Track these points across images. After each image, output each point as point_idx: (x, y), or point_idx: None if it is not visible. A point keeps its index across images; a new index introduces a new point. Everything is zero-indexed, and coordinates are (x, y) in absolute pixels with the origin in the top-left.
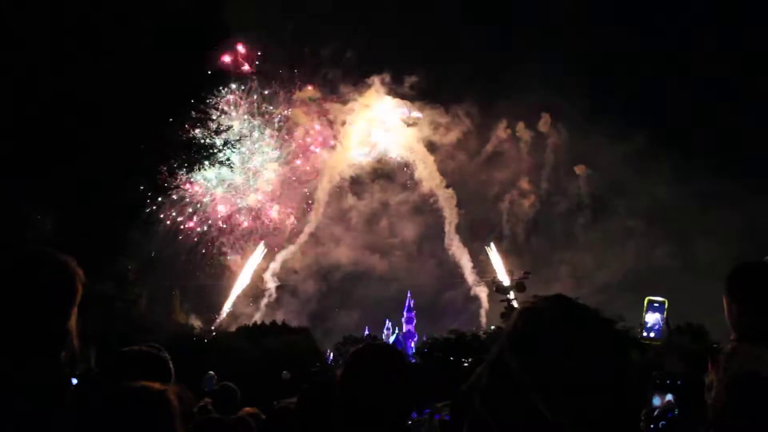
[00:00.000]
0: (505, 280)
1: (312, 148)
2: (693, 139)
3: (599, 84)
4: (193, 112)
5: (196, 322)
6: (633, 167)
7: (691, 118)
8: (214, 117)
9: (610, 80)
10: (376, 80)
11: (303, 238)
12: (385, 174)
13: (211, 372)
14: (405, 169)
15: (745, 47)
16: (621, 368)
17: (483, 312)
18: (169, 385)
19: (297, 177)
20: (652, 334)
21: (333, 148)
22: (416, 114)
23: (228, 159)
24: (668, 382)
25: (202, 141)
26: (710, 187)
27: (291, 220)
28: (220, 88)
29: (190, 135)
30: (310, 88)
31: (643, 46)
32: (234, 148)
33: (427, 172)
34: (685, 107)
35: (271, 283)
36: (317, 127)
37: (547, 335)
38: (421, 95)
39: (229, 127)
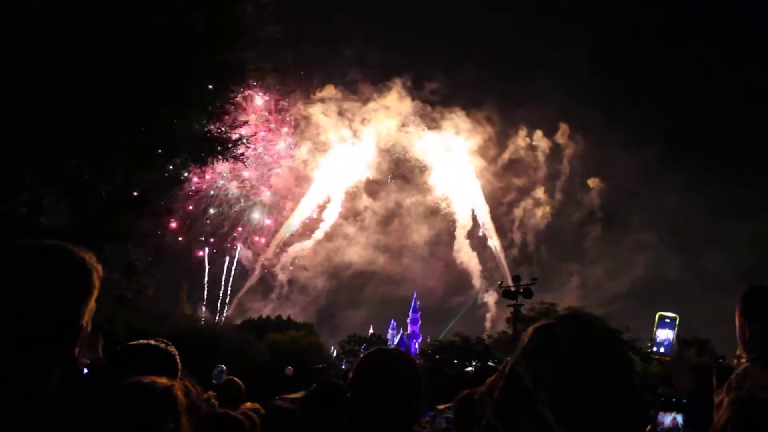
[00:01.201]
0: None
1: (329, 146)
2: (704, 152)
3: (615, 96)
4: (208, 106)
5: (203, 314)
6: (645, 180)
7: (703, 131)
8: (229, 111)
9: (625, 92)
10: (397, 82)
11: (315, 235)
12: (402, 176)
13: (222, 366)
14: (419, 171)
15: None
16: (630, 385)
17: (489, 317)
18: (175, 381)
19: (312, 175)
20: (662, 350)
21: (351, 146)
22: (436, 118)
23: (242, 154)
24: (674, 399)
25: (216, 135)
26: (720, 200)
27: (303, 216)
28: (237, 83)
29: (205, 129)
30: (329, 87)
31: (657, 58)
32: (248, 143)
33: (442, 176)
34: (698, 118)
35: (281, 278)
36: (334, 126)
37: (559, 352)
38: (441, 100)
39: (245, 122)
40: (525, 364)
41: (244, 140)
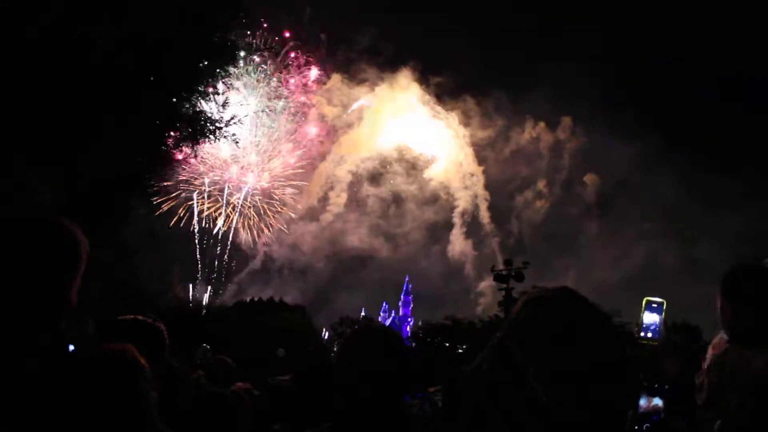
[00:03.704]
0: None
1: (331, 131)
2: (697, 143)
3: (612, 90)
4: (200, 85)
5: (196, 296)
6: (639, 171)
7: (696, 122)
8: (221, 91)
9: (621, 86)
10: (404, 70)
11: (314, 219)
12: (404, 162)
13: (206, 345)
14: (422, 159)
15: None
16: (620, 361)
17: (482, 301)
18: (130, 345)
19: (313, 160)
20: (649, 335)
21: (352, 132)
22: (441, 107)
23: (233, 134)
24: (656, 385)
25: (209, 114)
26: (713, 190)
27: (304, 202)
28: (233, 63)
29: (197, 108)
30: (335, 77)
31: (650, 51)
32: (240, 123)
33: (444, 164)
34: (691, 112)
35: (277, 261)
36: (338, 112)
37: (550, 324)
38: (447, 90)
39: (237, 102)
40: (514, 337)
41: (236, 120)
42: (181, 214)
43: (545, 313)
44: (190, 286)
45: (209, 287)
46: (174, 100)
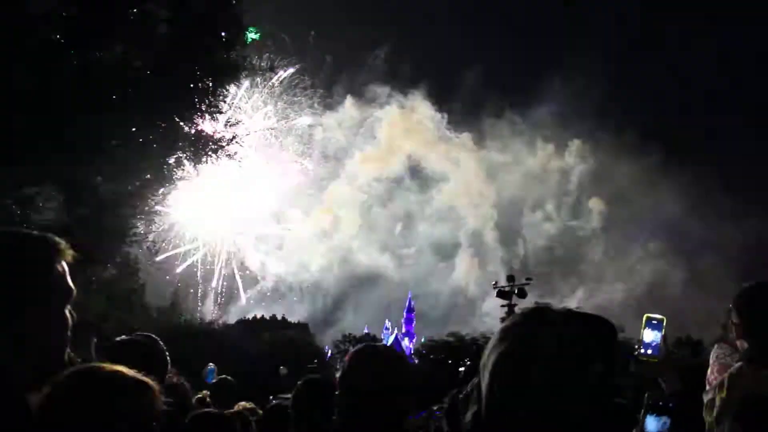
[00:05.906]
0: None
1: (341, 152)
2: (700, 158)
3: (617, 107)
4: (203, 105)
5: (199, 314)
6: (642, 186)
7: (700, 137)
8: (224, 110)
9: (623, 107)
10: (416, 92)
11: (319, 236)
12: (415, 181)
13: (212, 364)
14: (432, 178)
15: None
16: (596, 377)
17: (488, 319)
18: (126, 367)
19: (320, 181)
20: (650, 351)
21: (364, 153)
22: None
23: (236, 153)
24: (660, 403)
25: (211, 134)
26: (716, 204)
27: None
28: (236, 83)
29: (200, 128)
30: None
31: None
32: (242, 143)
33: (454, 184)
34: (694, 125)
35: (281, 278)
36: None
37: (510, 346)
38: (458, 113)
39: (239, 122)
40: (486, 362)
41: (239, 139)
42: (186, 234)
43: (507, 337)
44: (198, 303)
45: (214, 305)
46: (176, 118)
